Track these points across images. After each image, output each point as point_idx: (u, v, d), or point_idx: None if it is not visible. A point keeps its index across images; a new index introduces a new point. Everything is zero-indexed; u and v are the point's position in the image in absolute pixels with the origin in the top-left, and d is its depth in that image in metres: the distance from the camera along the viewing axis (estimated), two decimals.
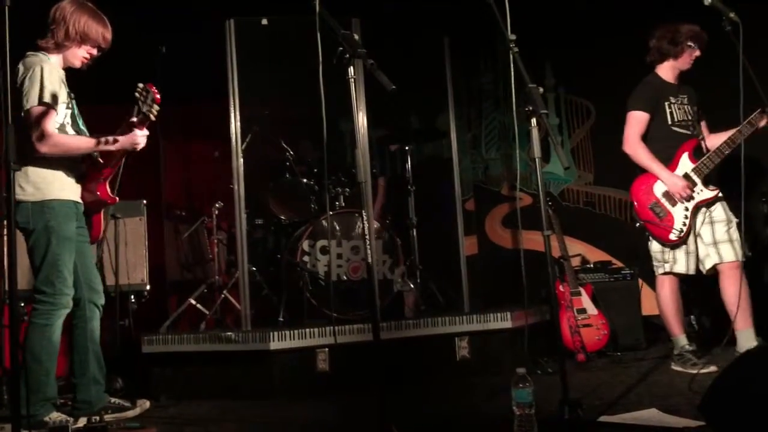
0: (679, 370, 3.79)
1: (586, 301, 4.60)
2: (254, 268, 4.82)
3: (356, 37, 2.52)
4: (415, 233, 5.13)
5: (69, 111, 3.25)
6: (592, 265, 5.13)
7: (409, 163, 5.32)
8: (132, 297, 4.46)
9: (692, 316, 4.84)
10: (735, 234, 3.83)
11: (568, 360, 3.45)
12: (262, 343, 3.91)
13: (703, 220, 3.88)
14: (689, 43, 3.90)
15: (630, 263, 5.15)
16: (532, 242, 5.08)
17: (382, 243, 4.69)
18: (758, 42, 3.49)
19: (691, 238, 3.87)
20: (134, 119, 3.20)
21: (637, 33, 4.20)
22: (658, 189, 3.92)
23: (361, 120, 4.31)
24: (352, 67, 2.55)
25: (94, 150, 3.22)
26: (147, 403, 3.45)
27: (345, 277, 4.59)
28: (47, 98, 3.05)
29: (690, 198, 3.85)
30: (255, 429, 3.24)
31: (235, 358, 3.96)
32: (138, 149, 3.24)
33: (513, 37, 2.69)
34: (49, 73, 3.09)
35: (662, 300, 4.02)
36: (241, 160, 4.40)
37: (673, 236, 3.85)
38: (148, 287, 4.52)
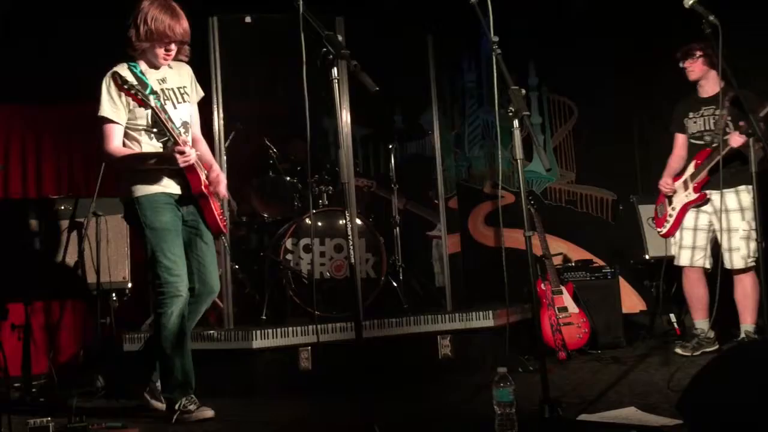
0: (679, 352, 4.17)
1: (567, 299, 4.63)
2: (237, 266, 4.81)
3: (340, 38, 2.53)
4: (398, 231, 5.14)
5: (148, 112, 3.18)
6: (573, 264, 5.17)
7: (393, 162, 5.33)
8: (113, 295, 4.43)
9: (671, 315, 4.90)
10: (735, 243, 4.08)
11: (549, 358, 3.49)
12: (245, 342, 3.91)
13: (708, 224, 4.24)
14: (680, 63, 4.29)
15: (611, 262, 5.20)
16: (515, 240, 5.10)
17: (365, 241, 4.70)
18: (739, 46, 3.53)
19: (687, 233, 4.27)
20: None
21: (618, 33, 4.25)
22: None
23: (345, 120, 4.31)
24: (335, 68, 2.55)
25: (153, 166, 3.23)
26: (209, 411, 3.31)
27: (328, 275, 4.60)
28: (105, 112, 3.17)
29: (677, 197, 4.30)
30: (238, 427, 3.24)
31: (217, 357, 3.95)
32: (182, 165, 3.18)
33: (496, 38, 2.70)
34: (107, 85, 3.16)
35: (684, 289, 4.39)
36: (224, 157, 4.39)
37: (660, 230, 4.44)
38: (129, 285, 4.49)
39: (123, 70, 3.19)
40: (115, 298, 4.44)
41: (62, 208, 4.19)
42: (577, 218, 5.95)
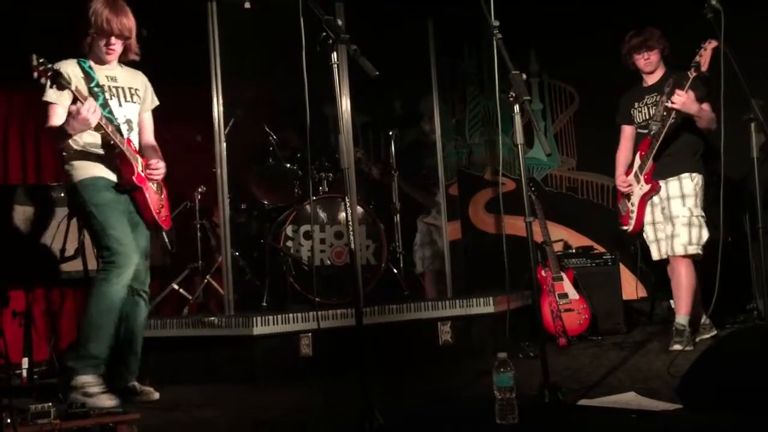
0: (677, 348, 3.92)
1: (567, 285, 4.64)
2: (237, 253, 4.81)
3: (339, 22, 2.51)
4: (398, 218, 5.13)
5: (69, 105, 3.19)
6: (574, 250, 5.17)
7: (393, 148, 5.31)
8: None
9: (672, 301, 4.89)
10: (678, 230, 4.01)
11: (549, 344, 3.50)
12: (245, 328, 3.91)
13: (662, 214, 4.13)
14: (631, 56, 4.21)
15: (611, 248, 5.20)
16: (515, 227, 5.09)
17: (365, 228, 4.70)
18: (740, 32, 3.50)
19: (649, 228, 4.20)
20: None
21: (619, 20, 4.23)
22: None
23: (345, 106, 4.29)
24: (335, 53, 2.53)
25: (58, 137, 3.24)
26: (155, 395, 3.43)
27: (329, 262, 4.60)
28: (47, 97, 3.24)
29: (633, 193, 4.20)
30: (238, 414, 3.25)
31: (218, 343, 3.96)
32: (90, 123, 3.12)
33: (496, 23, 2.69)
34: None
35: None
36: (224, 144, 4.38)
37: (625, 228, 4.28)
38: None
39: (70, 66, 3.27)
40: None
41: (61, 195, 4.18)
42: (578, 205, 5.94)
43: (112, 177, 3.37)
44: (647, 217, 4.18)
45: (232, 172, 4.49)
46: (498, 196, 5.82)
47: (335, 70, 2.54)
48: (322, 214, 4.67)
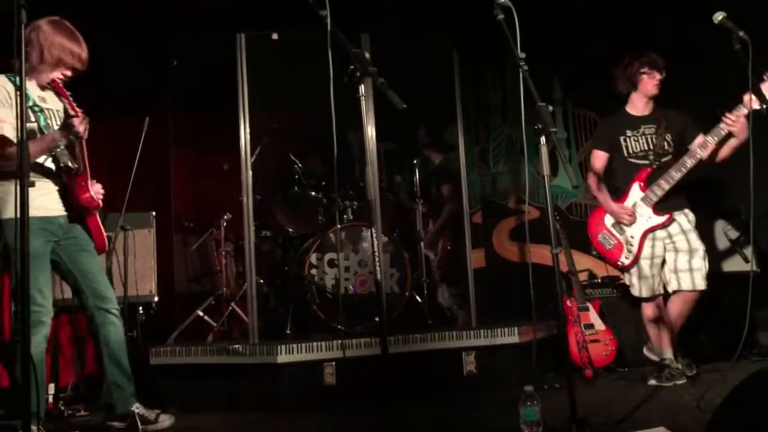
0: (654, 384, 3.91)
1: (593, 316, 4.59)
2: (262, 281, 4.83)
3: (367, 55, 2.54)
4: (422, 246, 5.13)
5: (33, 125, 3.11)
6: (599, 280, 5.12)
7: (417, 176, 5.33)
8: (140, 308, 4.47)
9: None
10: (697, 263, 3.95)
11: (575, 376, 3.45)
12: (270, 356, 3.92)
13: (663, 248, 4.02)
14: (642, 71, 4.06)
15: None
16: (539, 256, 5.07)
17: (389, 256, 4.70)
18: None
19: (645, 263, 4.03)
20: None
21: (645, 47, 4.22)
22: (609, 220, 4.15)
23: (371, 137, 4.32)
24: (362, 85, 2.56)
25: (39, 151, 3.09)
26: (169, 420, 3.41)
27: (352, 290, 4.60)
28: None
29: (635, 223, 4.03)
30: None
31: (242, 371, 3.97)
32: (80, 134, 3.09)
33: (523, 55, 2.70)
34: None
35: (644, 322, 4.18)
36: (250, 172, 4.42)
37: (620, 263, 4.09)
38: (156, 299, 4.53)
39: (3, 81, 3.09)
40: (141, 312, 4.48)
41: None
42: None
43: (54, 212, 3.18)
44: (645, 251, 4.01)
45: (257, 200, 4.53)
46: (522, 224, 5.80)
47: (362, 103, 2.56)
48: (347, 242, 4.68)
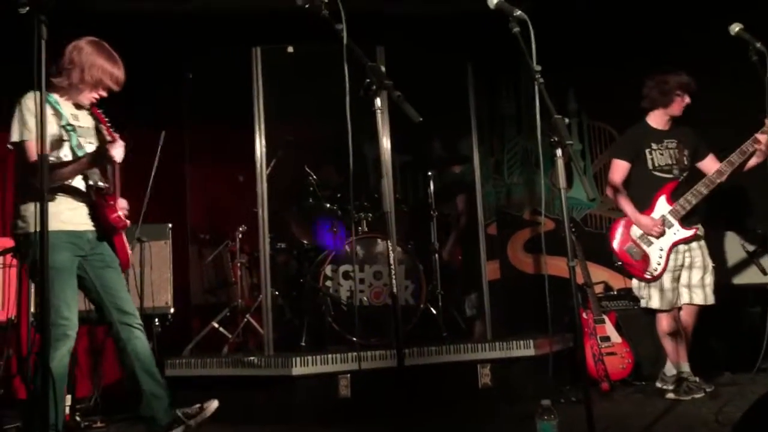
0: (672, 397, 3.92)
1: (609, 328, 4.56)
2: (277, 293, 4.84)
3: (383, 68, 2.54)
4: (437, 258, 5.12)
5: (66, 143, 3.12)
6: (615, 293, 5.08)
7: (432, 188, 5.33)
8: (156, 320, 4.49)
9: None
10: (708, 279, 4.02)
11: (591, 389, 3.43)
12: (285, 368, 3.92)
13: (683, 262, 4.05)
14: (678, 92, 4.06)
15: None
16: (554, 267, 5.04)
17: (404, 268, 4.70)
18: None
19: (667, 276, 4.03)
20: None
21: (659, 59, 4.22)
22: (635, 232, 4.11)
23: (386, 149, 4.34)
24: (378, 98, 2.57)
25: (74, 173, 3.11)
26: (215, 403, 3.36)
27: (367, 302, 4.60)
28: (25, 136, 3.01)
29: (663, 236, 4.02)
30: None
31: (257, 383, 3.97)
32: (115, 160, 3.11)
33: (538, 68, 2.70)
34: (26, 106, 3.01)
35: (660, 335, 4.15)
36: (265, 184, 4.44)
37: (648, 275, 4.04)
38: (172, 310, 4.55)
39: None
40: (157, 323, 4.50)
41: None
42: None
43: (81, 227, 3.17)
44: (670, 264, 4.02)
45: (273, 212, 4.55)
46: (537, 235, 5.78)
47: (378, 116, 2.57)
48: (362, 254, 4.68)
